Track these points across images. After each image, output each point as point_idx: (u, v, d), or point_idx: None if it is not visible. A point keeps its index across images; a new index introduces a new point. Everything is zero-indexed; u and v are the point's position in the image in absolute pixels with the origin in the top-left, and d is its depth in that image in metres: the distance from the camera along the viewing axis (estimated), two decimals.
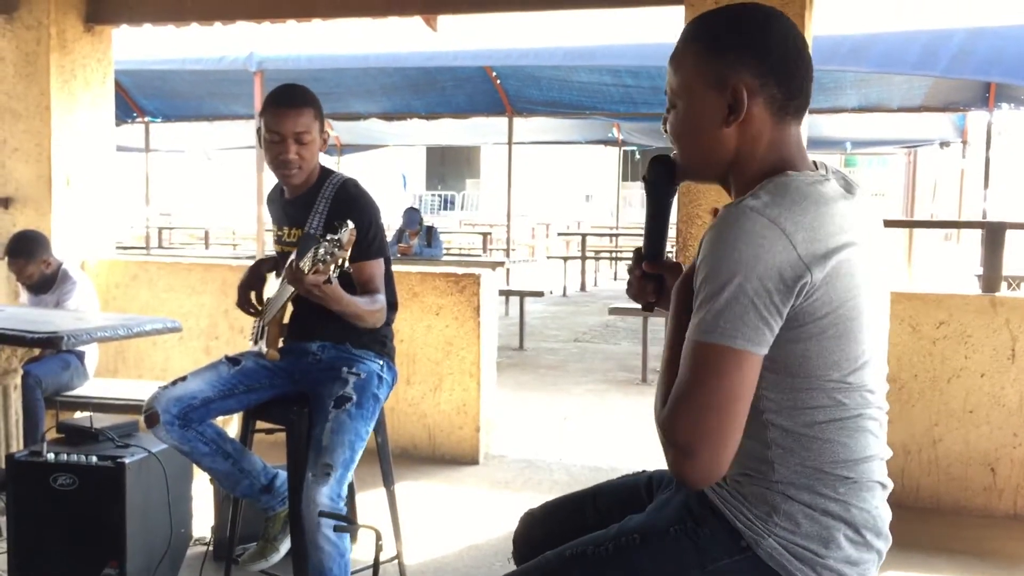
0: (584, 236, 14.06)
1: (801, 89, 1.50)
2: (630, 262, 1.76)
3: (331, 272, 2.32)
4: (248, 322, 3.27)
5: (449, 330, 4.82)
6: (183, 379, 2.65)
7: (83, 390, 4.41)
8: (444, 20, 5.48)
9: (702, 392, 1.35)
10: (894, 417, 4.37)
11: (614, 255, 15.23)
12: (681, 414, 1.36)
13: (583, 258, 13.83)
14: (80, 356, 4.37)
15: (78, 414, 4.36)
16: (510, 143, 10.74)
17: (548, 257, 15.94)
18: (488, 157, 27.56)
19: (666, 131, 1.59)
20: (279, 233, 2.87)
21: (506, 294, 9.72)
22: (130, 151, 14.66)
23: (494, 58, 8.54)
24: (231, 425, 3.98)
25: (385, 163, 27.70)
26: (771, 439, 1.45)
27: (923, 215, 24.32)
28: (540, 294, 9.04)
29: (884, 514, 1.51)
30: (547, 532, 1.76)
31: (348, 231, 2.30)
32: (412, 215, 8.94)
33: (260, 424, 2.84)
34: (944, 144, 13.56)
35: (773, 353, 1.40)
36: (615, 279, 14.31)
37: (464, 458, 4.81)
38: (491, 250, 13.92)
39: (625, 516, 1.58)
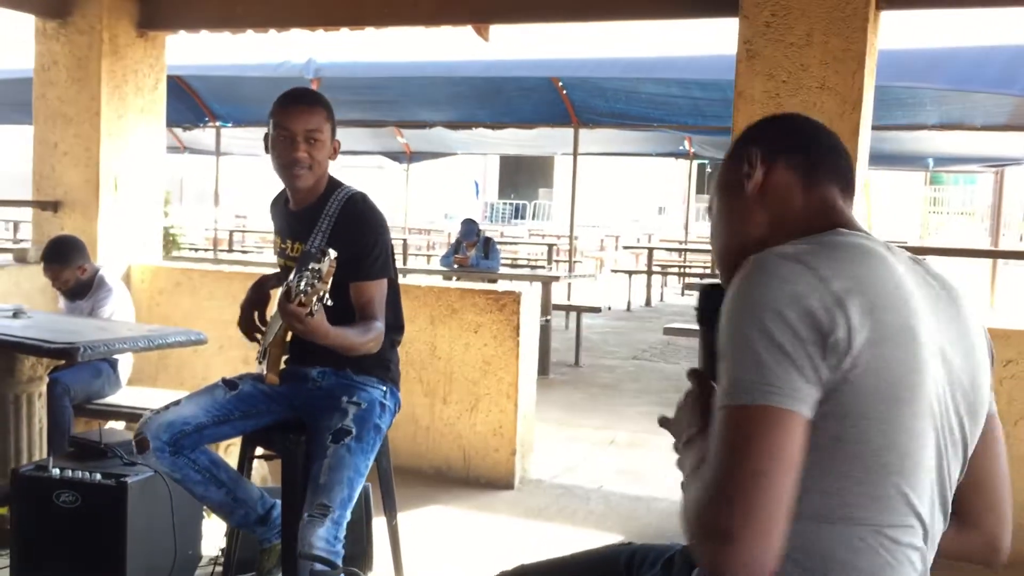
0: (651, 250, 13.78)
1: (828, 156, 1.44)
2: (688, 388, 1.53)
3: (312, 306, 2.16)
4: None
5: (487, 349, 4.67)
6: (176, 403, 2.54)
7: (115, 398, 4.36)
8: (497, 30, 5.34)
9: (737, 462, 1.13)
10: None
11: (682, 270, 14.92)
12: (714, 493, 1.13)
13: (648, 272, 13.56)
14: (112, 364, 4.33)
15: (109, 424, 4.33)
16: (575, 154, 10.56)
17: (613, 271, 15.68)
18: (562, 166, 27.41)
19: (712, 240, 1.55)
20: (282, 246, 2.74)
21: (565, 309, 9.55)
22: (204, 154, 14.92)
23: (554, 68, 8.40)
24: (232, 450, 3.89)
25: (458, 170, 27.74)
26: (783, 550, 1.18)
27: (1012, 237, 23.41)
28: (597, 310, 8.83)
29: None
30: None
31: (328, 262, 2.15)
32: (469, 226, 8.82)
33: (259, 451, 2.72)
34: None
35: None
36: (682, 294, 14.00)
37: (499, 482, 4.64)
38: (556, 262, 13.73)
39: None
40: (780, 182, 1.40)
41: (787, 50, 3.89)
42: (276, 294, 2.79)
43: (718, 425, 1.17)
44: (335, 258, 2.16)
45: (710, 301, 1.47)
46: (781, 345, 1.15)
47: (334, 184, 2.66)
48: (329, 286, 2.16)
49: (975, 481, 1.39)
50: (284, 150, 2.54)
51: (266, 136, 2.62)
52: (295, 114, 2.54)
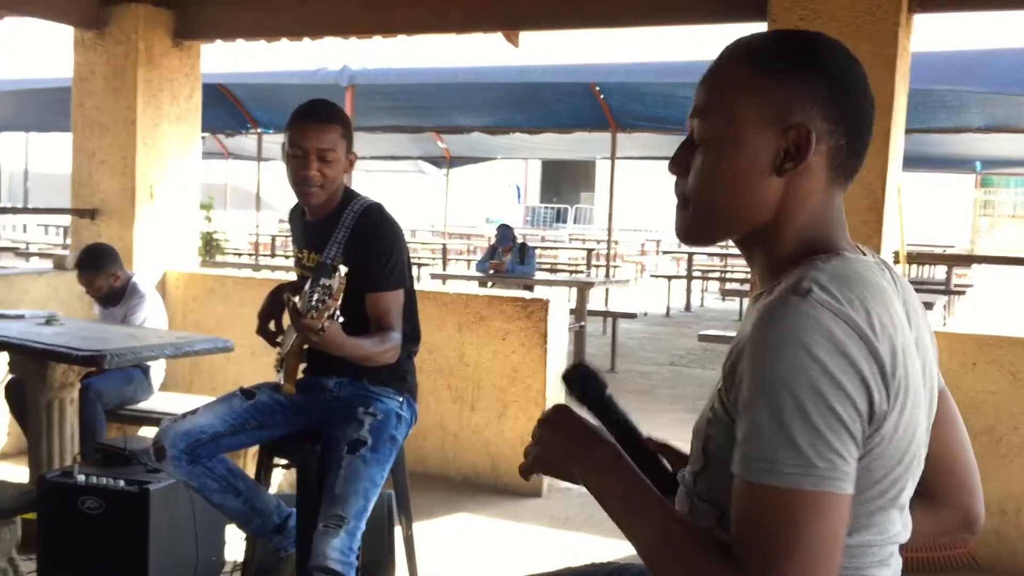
0: (691, 255, 13.68)
1: (864, 145, 1.22)
2: None
3: (324, 321, 2.17)
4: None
5: (515, 356, 4.66)
6: (193, 412, 2.57)
7: (147, 404, 4.42)
8: (527, 35, 5.33)
9: (800, 547, 1.03)
10: (990, 473, 3.98)
11: (722, 274, 14.79)
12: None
13: (688, 277, 13.46)
14: (144, 370, 4.38)
15: (142, 429, 4.39)
16: (613, 158, 10.52)
17: (652, 276, 15.58)
18: (603, 170, 27.34)
19: (674, 172, 1.25)
20: (299, 256, 2.76)
21: (602, 315, 9.51)
22: (246, 159, 15.10)
23: (586, 73, 8.38)
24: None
25: (500, 174, 27.79)
26: None
27: None
28: (633, 316, 8.78)
29: None
30: None
31: (338, 278, 2.15)
32: (505, 232, 8.83)
33: (276, 460, 2.73)
34: None
35: None
36: (722, 299, 13.88)
37: (527, 490, 4.63)
38: (595, 266, 13.68)
39: None
40: (813, 173, 1.18)
41: None
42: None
43: (766, 505, 1.05)
44: (346, 274, 2.16)
45: (580, 383, 1.45)
46: (838, 414, 1.04)
47: (350, 195, 2.66)
48: (340, 302, 2.17)
49: (943, 462, 1.33)
50: (296, 168, 2.56)
51: (282, 146, 2.63)
52: (308, 132, 2.55)
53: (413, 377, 2.69)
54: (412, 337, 2.66)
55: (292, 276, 3.06)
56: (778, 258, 1.21)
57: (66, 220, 16.57)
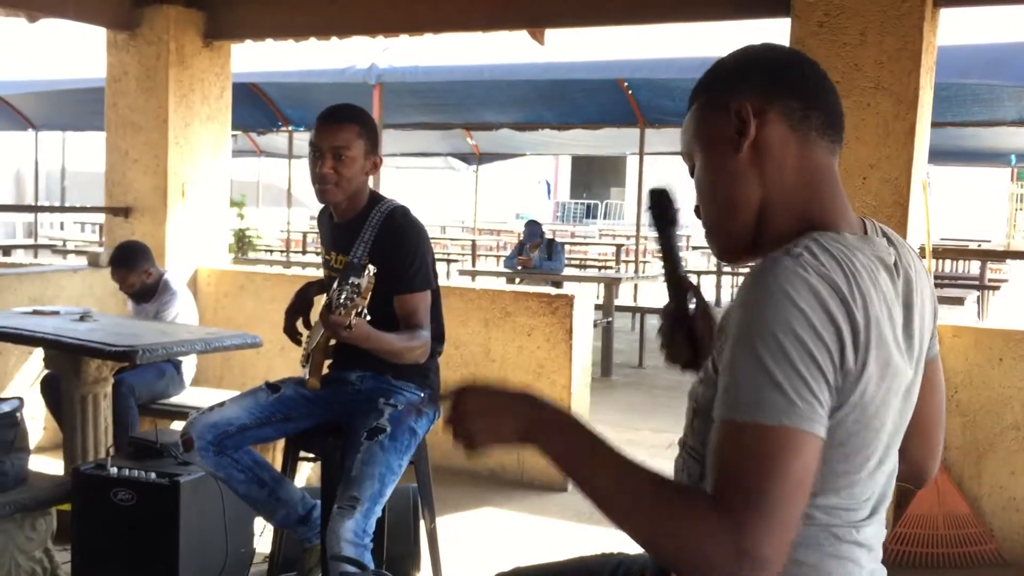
0: None
1: (823, 100, 1.30)
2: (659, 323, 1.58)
3: (351, 319, 2.23)
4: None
5: (540, 352, 4.69)
6: (221, 405, 2.63)
7: (179, 399, 4.50)
8: (553, 32, 5.36)
9: (772, 485, 1.09)
10: (1019, 468, 3.96)
11: None
12: (759, 516, 1.08)
13: (719, 273, 13.42)
14: (176, 365, 4.47)
15: (174, 423, 4.47)
16: (641, 154, 10.51)
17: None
18: (633, 166, 27.26)
19: (697, 215, 1.41)
20: (327, 257, 2.82)
21: (630, 310, 9.51)
22: (278, 157, 15.24)
23: (611, 69, 8.39)
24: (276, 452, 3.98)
25: (530, 170, 27.79)
26: None
27: None
28: (657, 311, 8.77)
29: None
30: None
31: (367, 277, 2.22)
32: (533, 228, 8.85)
33: (301, 453, 2.79)
34: None
35: None
36: None
37: (552, 484, 4.66)
38: (624, 262, 13.67)
39: None
40: (773, 138, 1.28)
41: (840, 50, 3.83)
42: (319, 300, 2.87)
43: (743, 442, 1.11)
44: (375, 274, 2.22)
45: (661, 203, 1.53)
46: (817, 360, 1.11)
47: (376, 198, 2.71)
48: (367, 301, 2.23)
49: (915, 420, 1.37)
50: (312, 165, 2.63)
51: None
52: (324, 131, 2.61)
53: (436, 375, 2.73)
54: (437, 336, 2.70)
55: (321, 273, 3.11)
56: (779, 234, 1.27)
57: (101, 218, 16.82)
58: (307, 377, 2.63)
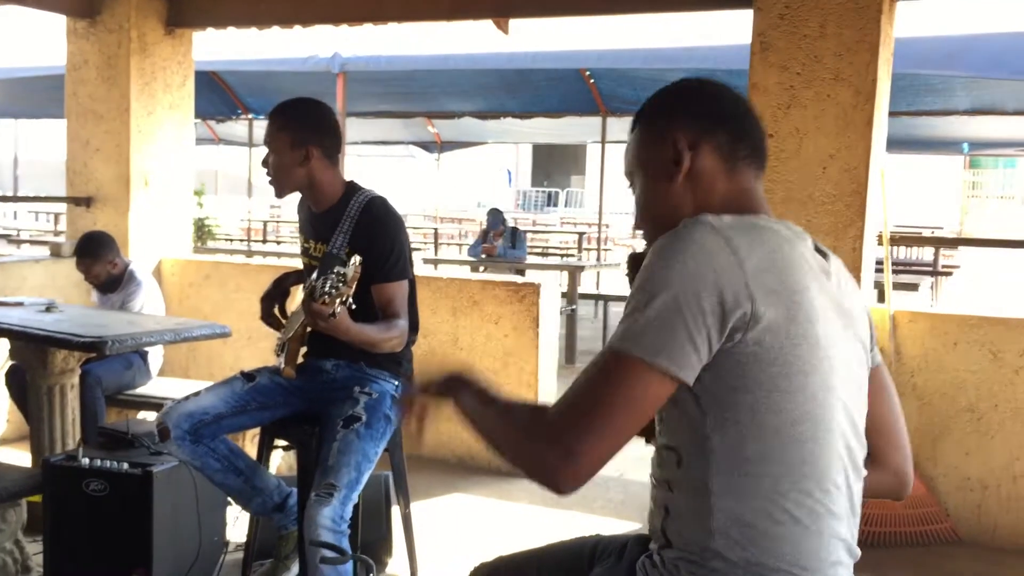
0: None
1: (748, 135, 1.48)
2: None
3: (336, 307, 2.26)
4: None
5: (508, 340, 4.75)
6: (196, 394, 2.65)
7: (145, 389, 4.49)
8: (517, 22, 5.39)
9: (609, 403, 1.27)
10: (972, 449, 4.08)
11: None
12: (579, 416, 1.27)
13: None
14: (143, 355, 4.45)
15: (141, 413, 4.46)
16: (603, 143, 10.57)
17: None
18: (594, 154, 27.37)
19: (635, 228, 1.60)
20: (305, 245, 2.84)
21: (593, 298, 9.59)
22: (237, 145, 15.11)
23: (576, 59, 8.44)
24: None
25: (491, 159, 27.80)
26: (714, 526, 1.32)
27: None
28: (623, 299, 8.87)
29: None
30: None
31: (353, 268, 2.25)
32: (496, 216, 8.90)
33: (277, 441, 2.81)
34: None
35: (722, 412, 1.29)
36: None
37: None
38: (586, 250, 13.76)
39: None
40: (705, 168, 1.46)
41: (800, 42, 3.91)
42: (296, 290, 2.90)
43: (603, 361, 1.30)
44: (360, 263, 2.25)
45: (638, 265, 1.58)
46: (685, 319, 1.25)
47: (353, 188, 2.74)
48: (353, 290, 2.26)
49: (876, 426, 1.51)
50: None
51: None
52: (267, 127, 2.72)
53: (410, 364, 2.77)
54: (412, 326, 2.73)
55: (284, 262, 3.13)
56: None
57: (57, 207, 16.57)
58: (282, 366, 2.66)
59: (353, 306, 2.31)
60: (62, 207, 15.90)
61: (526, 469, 1.33)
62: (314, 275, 2.60)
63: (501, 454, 1.41)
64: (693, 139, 1.46)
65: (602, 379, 1.28)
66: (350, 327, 2.38)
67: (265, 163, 2.70)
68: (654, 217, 1.50)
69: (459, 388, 1.52)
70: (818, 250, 1.45)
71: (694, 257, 1.27)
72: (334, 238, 2.68)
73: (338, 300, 2.25)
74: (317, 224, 2.79)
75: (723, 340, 1.27)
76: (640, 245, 1.69)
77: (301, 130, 2.68)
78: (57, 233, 15.89)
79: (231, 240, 15.08)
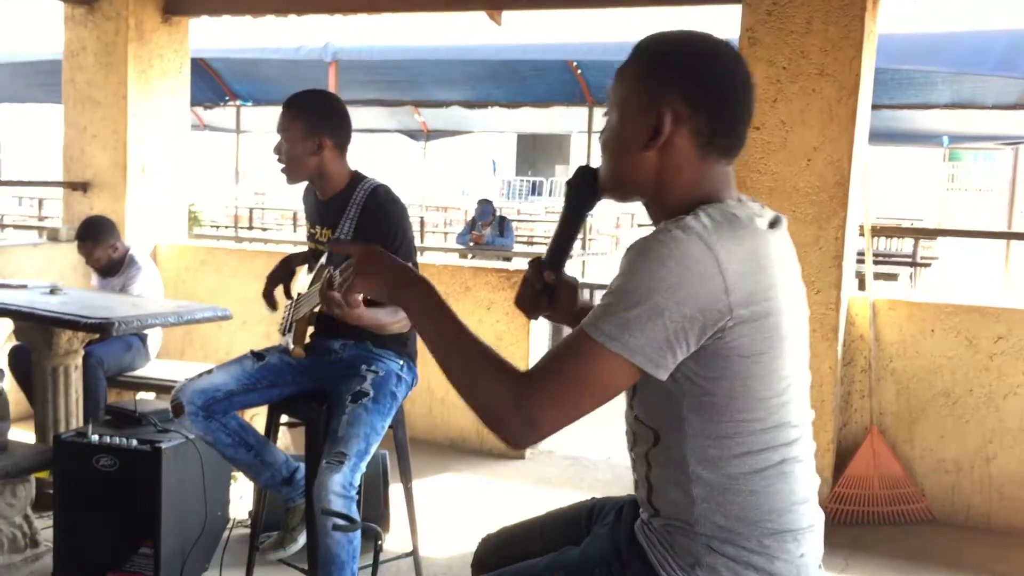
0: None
1: (732, 128, 1.48)
2: (528, 271, 1.69)
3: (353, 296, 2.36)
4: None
5: (500, 325, 4.86)
6: (209, 372, 2.75)
7: (144, 371, 4.58)
8: (509, 14, 5.48)
9: (579, 385, 1.34)
10: (948, 432, 4.22)
11: None
12: (550, 393, 1.34)
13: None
14: (143, 338, 4.54)
15: (139, 395, 4.55)
16: (589, 132, 10.69)
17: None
18: (578, 144, 27.45)
19: (600, 140, 1.57)
20: (312, 231, 2.94)
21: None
22: (224, 132, 15.12)
23: (566, 51, 8.56)
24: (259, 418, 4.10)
25: (475, 148, 27.84)
26: (696, 494, 1.44)
27: None
28: (607, 287, 9.00)
29: (812, 558, 1.49)
30: (501, 558, 1.77)
31: None
32: (485, 207, 9.02)
33: (284, 418, 2.92)
34: None
35: (699, 396, 1.40)
36: None
37: (511, 452, 4.84)
38: None
39: (566, 546, 1.60)
40: (678, 149, 1.45)
41: (787, 37, 4.03)
42: (300, 271, 3.00)
43: (576, 339, 1.35)
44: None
45: (583, 178, 1.60)
46: (666, 326, 1.31)
47: (358, 177, 2.85)
48: None
49: None
50: None
51: None
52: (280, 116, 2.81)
53: (414, 343, 2.88)
54: None
55: (277, 248, 3.22)
56: (664, 214, 1.46)
57: (40, 192, 16.52)
58: (290, 346, 2.76)
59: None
60: (46, 192, 15.90)
61: (482, 412, 1.38)
62: (324, 259, 2.71)
63: (453, 375, 1.41)
64: (679, 117, 1.43)
65: (578, 363, 1.34)
66: (363, 314, 2.49)
67: (277, 150, 2.79)
68: (617, 172, 1.51)
69: (404, 280, 1.50)
70: (773, 222, 1.48)
71: (679, 264, 1.31)
72: (341, 224, 2.78)
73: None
74: (323, 211, 2.89)
75: (701, 343, 1.35)
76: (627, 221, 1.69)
77: (315, 120, 2.77)
78: (42, 218, 15.85)
79: (217, 227, 15.10)
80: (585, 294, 9.95)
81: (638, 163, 1.47)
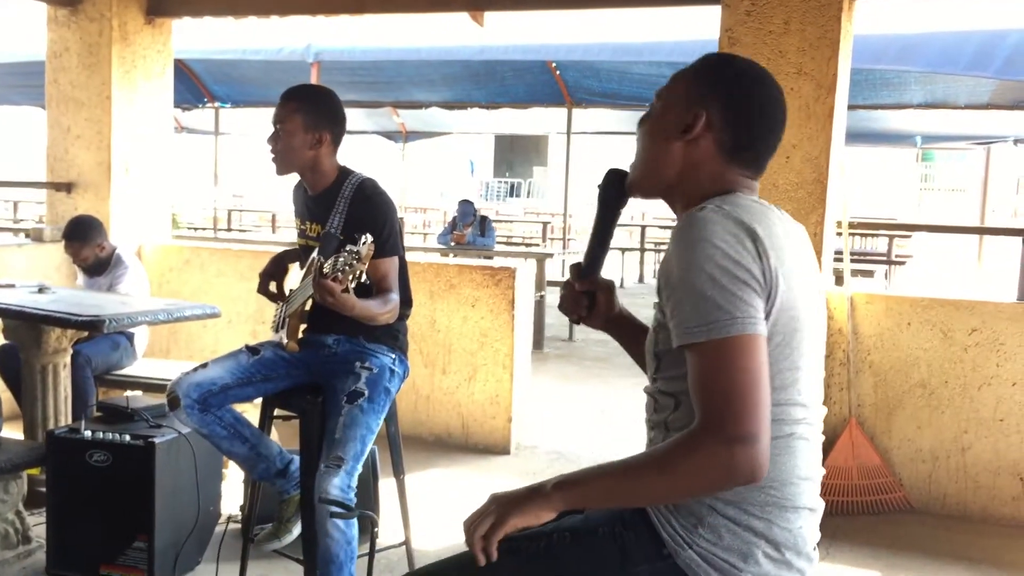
0: (643, 227, 14.03)
1: (754, 154, 1.61)
2: (568, 276, 1.83)
3: (349, 283, 2.42)
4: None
5: (484, 322, 4.92)
6: (204, 366, 2.79)
7: (131, 370, 4.60)
8: (491, 15, 5.55)
9: (737, 381, 1.38)
10: (924, 422, 4.32)
11: None
12: (725, 408, 1.37)
13: (642, 249, 13.81)
14: (129, 337, 4.56)
15: (127, 392, 4.57)
16: (568, 134, 10.78)
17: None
18: (556, 145, 27.55)
19: (641, 123, 1.70)
20: (301, 227, 2.98)
21: (559, 285, 9.77)
22: (202, 134, 15.09)
23: (546, 52, 8.62)
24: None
25: (453, 149, 27.88)
26: None
27: (1005, 212, 23.67)
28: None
29: (809, 535, 1.56)
30: None
31: (367, 245, 2.40)
32: (466, 207, 9.06)
33: (278, 411, 2.96)
34: (1020, 141, 13.18)
35: None
36: None
37: (496, 448, 4.91)
38: (551, 239, 13.97)
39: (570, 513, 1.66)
40: (702, 148, 1.60)
41: (766, 37, 4.12)
42: (293, 268, 3.05)
43: (707, 358, 1.40)
44: (372, 241, 2.41)
45: (612, 180, 1.73)
46: (732, 288, 1.40)
47: (345, 171, 2.89)
48: (367, 266, 2.42)
49: None
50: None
51: None
52: (276, 108, 2.84)
53: (405, 337, 2.94)
54: (404, 301, 2.90)
55: (258, 249, 3.27)
56: (690, 198, 1.60)
57: (16, 194, 16.41)
58: (284, 340, 2.81)
59: (367, 281, 2.47)
60: (21, 194, 15.79)
61: (703, 482, 1.40)
62: (315, 253, 2.75)
63: (656, 498, 1.48)
64: (710, 123, 1.58)
65: (717, 371, 1.39)
66: (356, 303, 2.54)
67: (272, 140, 2.82)
68: (646, 156, 1.65)
69: (541, 492, 1.51)
70: (792, 220, 1.63)
71: (718, 237, 1.43)
72: (330, 219, 2.83)
73: (351, 276, 2.40)
74: (312, 205, 2.93)
75: (766, 302, 1.44)
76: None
77: (317, 115, 2.82)
78: (18, 221, 15.74)
79: (195, 229, 15.07)
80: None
81: (666, 151, 1.61)
